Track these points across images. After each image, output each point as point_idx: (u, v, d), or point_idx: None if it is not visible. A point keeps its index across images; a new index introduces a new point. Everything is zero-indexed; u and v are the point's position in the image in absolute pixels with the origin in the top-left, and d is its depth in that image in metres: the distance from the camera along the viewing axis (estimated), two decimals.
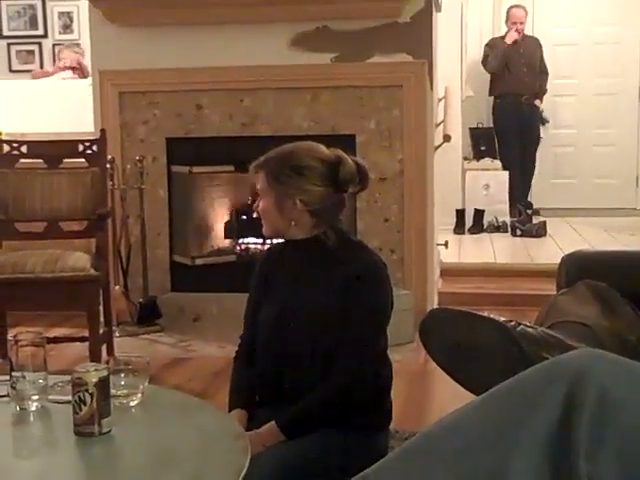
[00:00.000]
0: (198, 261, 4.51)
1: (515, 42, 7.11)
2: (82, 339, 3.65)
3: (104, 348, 3.77)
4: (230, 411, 2.07)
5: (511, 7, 7.26)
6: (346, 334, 2.01)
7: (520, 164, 7.26)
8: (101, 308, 3.79)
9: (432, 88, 4.39)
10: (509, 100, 7.17)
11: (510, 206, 6.84)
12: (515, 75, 7.15)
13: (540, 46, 7.31)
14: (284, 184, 2.05)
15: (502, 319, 2.00)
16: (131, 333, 4.30)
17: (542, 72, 7.32)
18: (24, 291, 3.38)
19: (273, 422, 1.97)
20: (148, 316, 4.36)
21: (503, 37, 7.25)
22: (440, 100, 5.27)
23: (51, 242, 3.85)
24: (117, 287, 4.33)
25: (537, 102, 7.33)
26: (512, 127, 7.18)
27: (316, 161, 2.07)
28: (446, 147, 5.12)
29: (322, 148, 2.11)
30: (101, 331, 3.73)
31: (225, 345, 3.95)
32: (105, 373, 1.68)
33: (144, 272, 4.44)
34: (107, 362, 3.36)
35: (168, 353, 4.10)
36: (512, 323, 1.97)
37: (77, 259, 3.46)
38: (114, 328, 4.09)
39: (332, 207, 2.09)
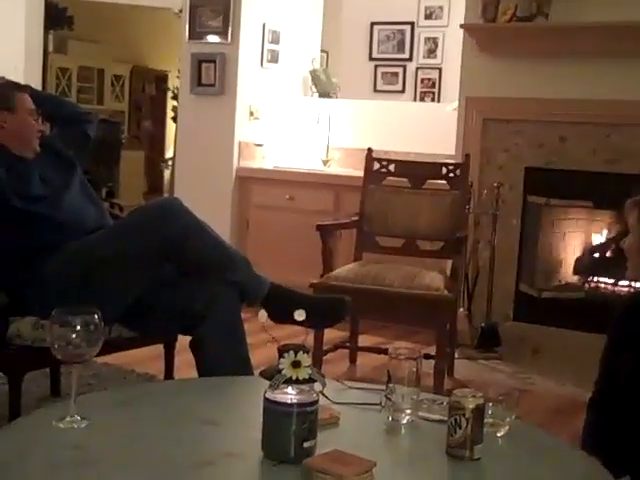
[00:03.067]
0: (545, 294, 4.44)
1: None
2: (425, 356, 3.72)
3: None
4: None
5: None
6: None
7: None
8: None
9: None
10: None
11: None
12: None
13: None
14: None
15: None
16: (470, 356, 4.33)
17: None
18: (380, 302, 3.52)
19: None
20: (488, 342, 4.37)
21: None
22: None
23: (404, 258, 3.99)
24: (461, 309, 4.40)
25: None
26: None
27: None
28: None
29: None
30: None
31: (565, 382, 3.86)
32: (481, 401, 1.71)
33: (489, 297, 4.46)
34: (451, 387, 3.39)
35: (505, 382, 4.07)
36: None
37: (433, 279, 3.55)
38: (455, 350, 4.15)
39: None
